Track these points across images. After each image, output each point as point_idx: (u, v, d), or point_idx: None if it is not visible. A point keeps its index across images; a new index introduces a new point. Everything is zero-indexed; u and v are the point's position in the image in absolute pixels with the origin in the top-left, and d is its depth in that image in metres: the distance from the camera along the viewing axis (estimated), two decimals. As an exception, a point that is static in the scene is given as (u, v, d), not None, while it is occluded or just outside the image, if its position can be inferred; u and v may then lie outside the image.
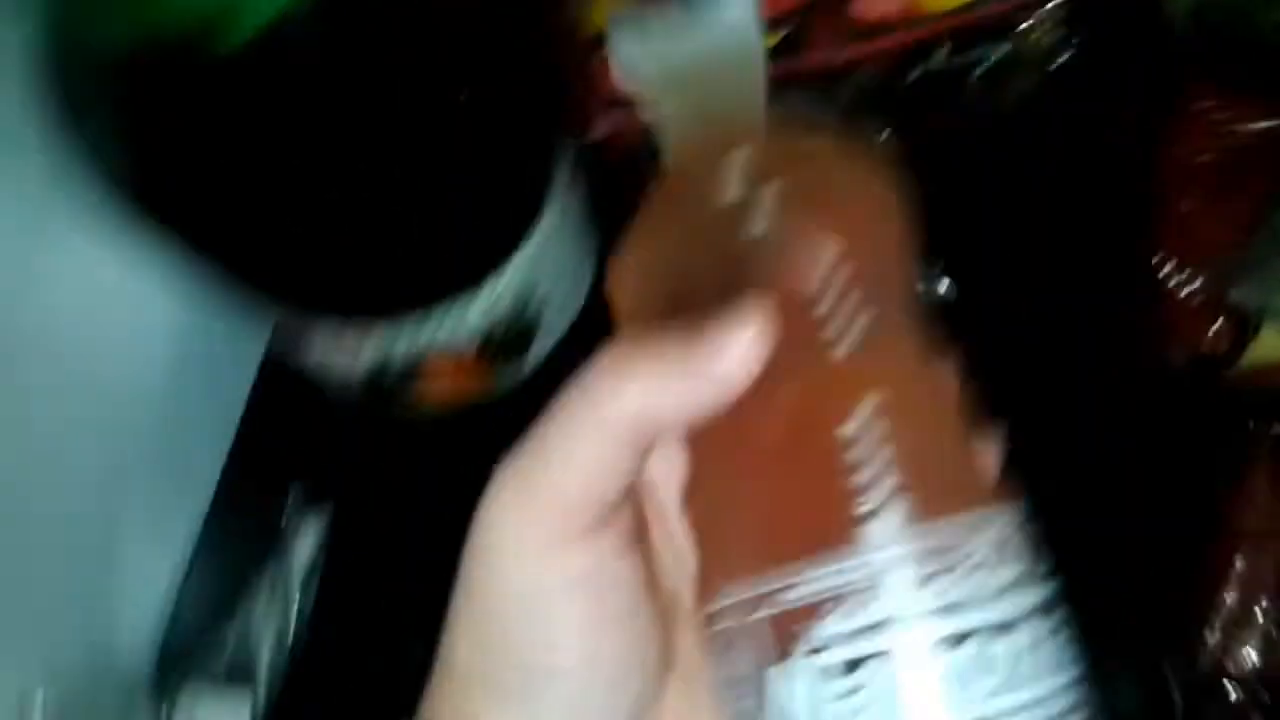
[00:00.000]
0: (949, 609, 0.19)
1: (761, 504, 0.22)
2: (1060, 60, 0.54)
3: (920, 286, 0.46)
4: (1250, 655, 0.42)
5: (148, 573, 0.49)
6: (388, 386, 0.42)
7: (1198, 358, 0.48)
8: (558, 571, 0.22)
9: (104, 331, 0.45)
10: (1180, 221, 0.47)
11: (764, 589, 0.20)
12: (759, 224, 0.23)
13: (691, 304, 0.23)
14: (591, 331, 0.49)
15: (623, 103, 0.49)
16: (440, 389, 0.44)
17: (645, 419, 0.22)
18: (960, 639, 0.19)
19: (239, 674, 0.46)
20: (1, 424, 0.41)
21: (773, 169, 0.24)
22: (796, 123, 0.26)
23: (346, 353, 0.40)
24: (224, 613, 0.47)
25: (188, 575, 0.50)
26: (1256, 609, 0.43)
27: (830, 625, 0.19)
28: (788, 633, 0.20)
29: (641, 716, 0.24)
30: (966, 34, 0.51)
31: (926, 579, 0.19)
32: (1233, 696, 0.42)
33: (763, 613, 0.20)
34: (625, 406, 0.22)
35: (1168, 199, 0.47)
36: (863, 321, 0.23)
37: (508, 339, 0.42)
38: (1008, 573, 0.20)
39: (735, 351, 0.21)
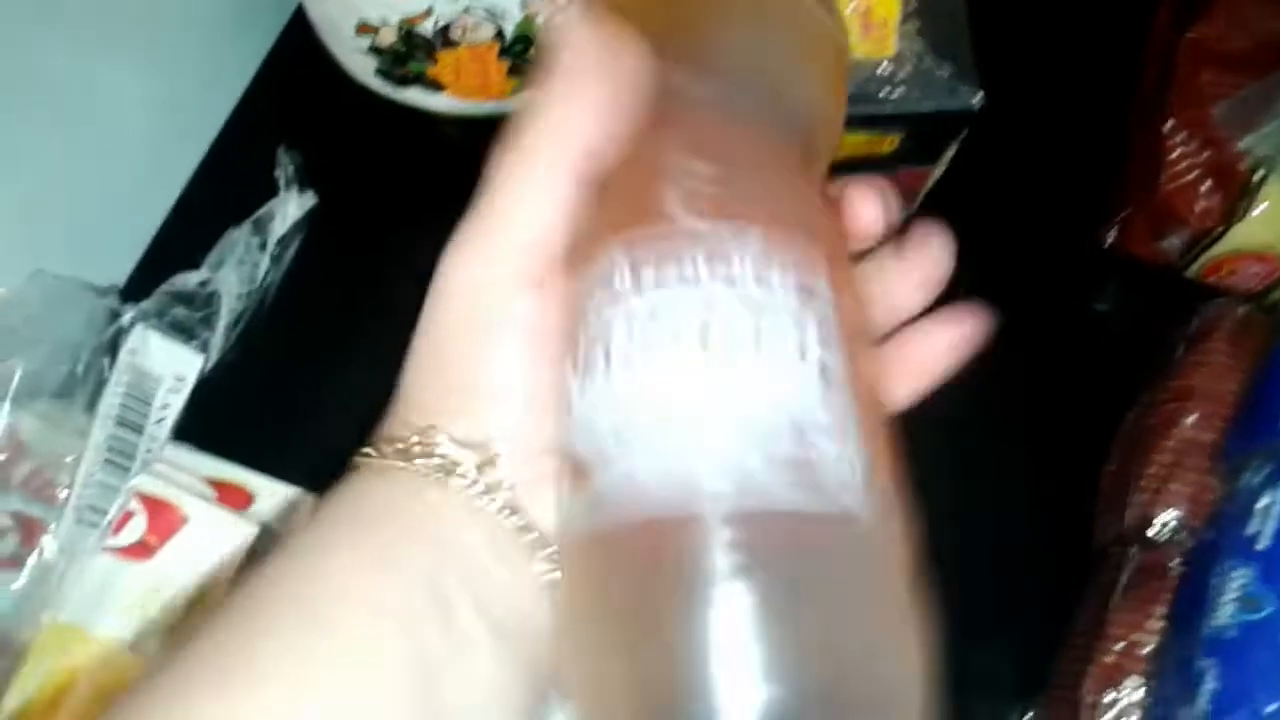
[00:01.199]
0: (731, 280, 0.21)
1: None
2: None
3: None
4: (1177, 505, 0.44)
5: (136, 203, 0.49)
6: (411, 57, 0.42)
7: (1186, 236, 0.49)
8: (509, 310, 0.24)
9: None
10: (1196, 95, 0.48)
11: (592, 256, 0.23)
12: None
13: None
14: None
15: None
16: (458, 82, 0.44)
17: (595, 150, 0.23)
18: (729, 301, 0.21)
19: (196, 325, 0.46)
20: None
21: None
22: None
23: (379, 4, 0.39)
24: (193, 261, 0.47)
25: (168, 219, 0.50)
26: (1186, 464, 0.45)
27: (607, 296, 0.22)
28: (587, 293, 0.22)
29: None
30: None
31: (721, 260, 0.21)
32: (1156, 549, 0.44)
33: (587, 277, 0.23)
34: (575, 141, 0.23)
35: (1188, 73, 0.48)
36: None
37: (532, 41, 0.42)
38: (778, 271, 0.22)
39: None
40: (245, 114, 0.52)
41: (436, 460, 0.24)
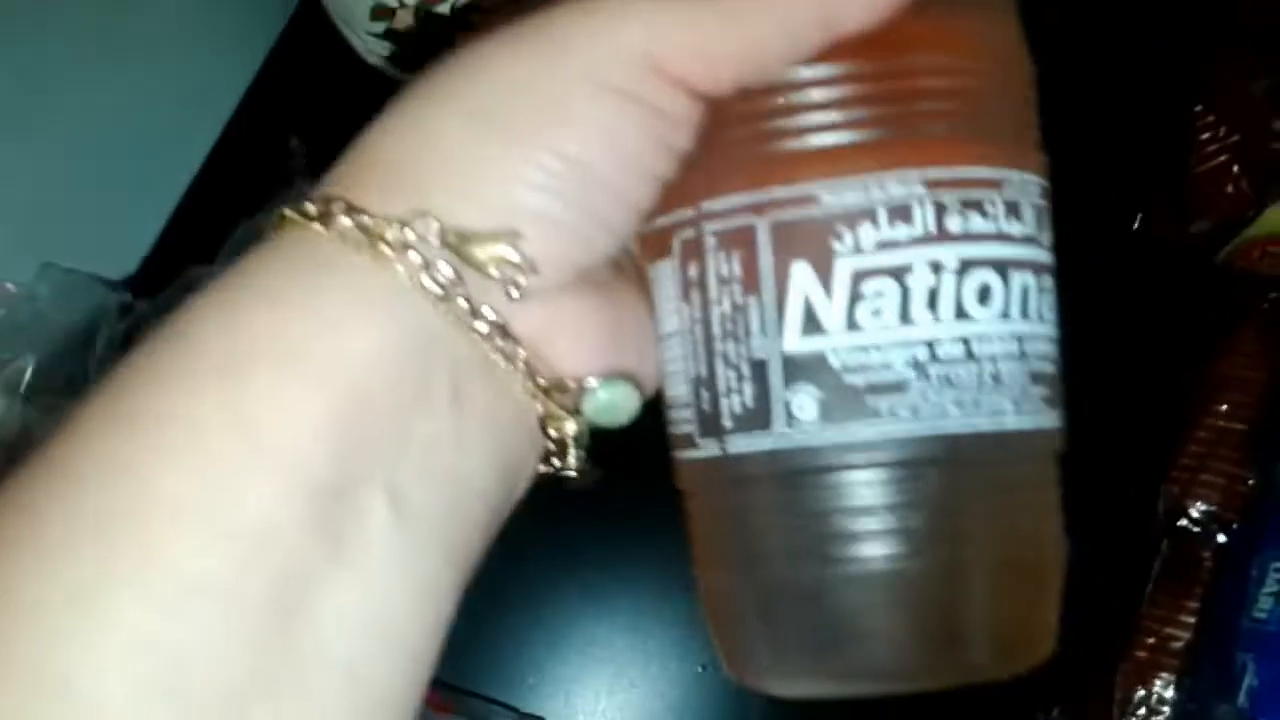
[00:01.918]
0: (962, 238, 0.21)
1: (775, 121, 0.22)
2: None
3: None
4: (1209, 498, 0.43)
5: (146, 193, 0.48)
6: (428, 37, 0.41)
7: (1215, 221, 0.48)
8: (613, 88, 0.19)
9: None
10: (1227, 79, 0.47)
11: (780, 196, 0.21)
12: None
13: None
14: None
15: None
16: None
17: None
18: (966, 265, 0.21)
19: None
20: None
21: None
22: None
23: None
24: (206, 259, 0.46)
25: (178, 211, 0.49)
26: (1218, 455, 0.44)
27: (859, 236, 0.21)
28: (814, 237, 0.21)
29: (599, 257, 0.21)
30: None
31: (945, 210, 0.21)
32: (1190, 542, 0.43)
33: (773, 217, 0.21)
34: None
35: (1220, 56, 0.47)
36: None
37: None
38: (1019, 227, 0.22)
39: None
40: (255, 102, 0.52)
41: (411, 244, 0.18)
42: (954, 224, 0.21)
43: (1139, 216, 0.51)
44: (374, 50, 0.44)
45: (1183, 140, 0.48)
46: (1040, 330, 0.22)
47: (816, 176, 0.21)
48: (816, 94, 0.21)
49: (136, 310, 0.45)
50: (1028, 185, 0.22)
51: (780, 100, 0.21)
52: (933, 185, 0.21)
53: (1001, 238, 0.21)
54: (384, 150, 0.19)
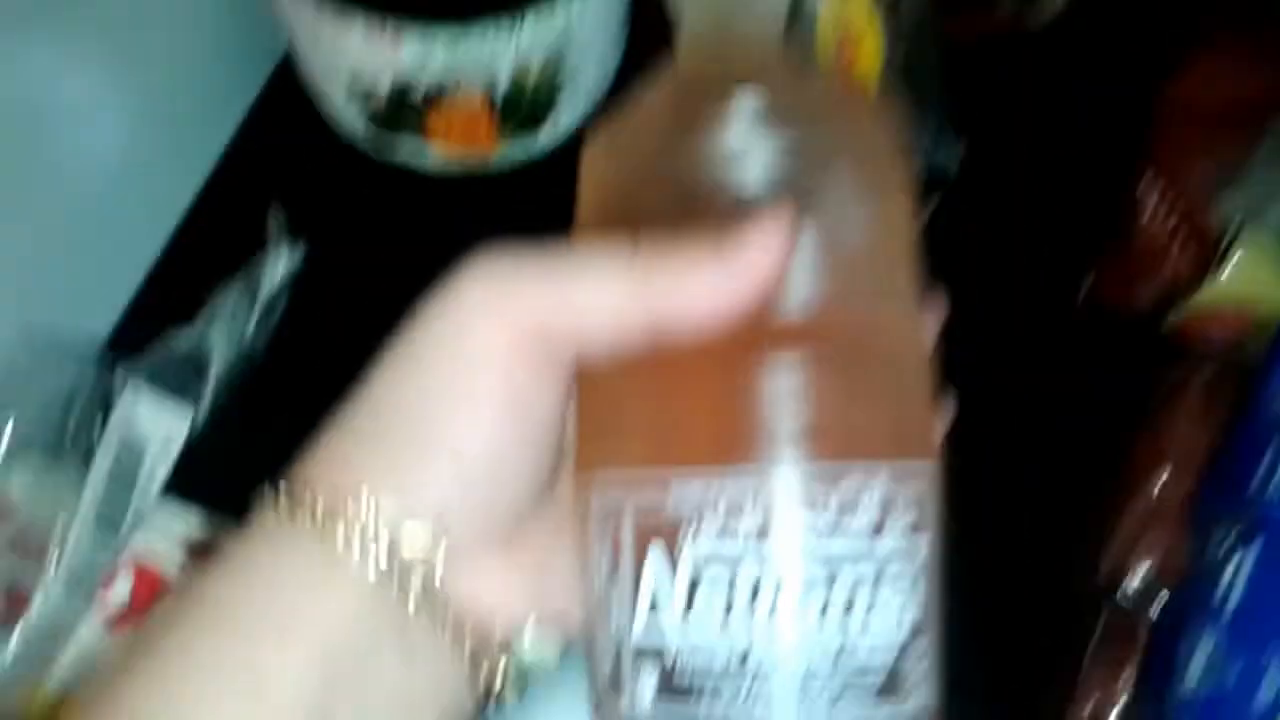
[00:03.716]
0: (825, 547, 0.21)
1: (673, 400, 0.23)
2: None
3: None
4: (1150, 566, 0.45)
5: (123, 253, 0.49)
6: (402, 112, 0.42)
7: (1160, 289, 0.50)
8: (499, 375, 0.23)
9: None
10: (1171, 151, 0.49)
11: (653, 479, 0.22)
12: (751, 173, 0.23)
13: (655, 216, 0.23)
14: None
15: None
16: (449, 137, 0.44)
17: (671, 312, 0.22)
18: (830, 578, 0.21)
19: (186, 383, 0.47)
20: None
21: (778, 116, 0.23)
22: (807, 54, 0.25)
23: (372, 61, 0.40)
24: (183, 319, 0.47)
25: (154, 272, 0.50)
26: (1157, 524, 0.45)
27: (711, 531, 0.21)
28: (671, 523, 0.22)
29: (510, 523, 0.24)
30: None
31: (813, 514, 0.21)
32: (1127, 607, 0.44)
33: (645, 499, 0.22)
34: (659, 298, 0.22)
35: (1164, 129, 0.49)
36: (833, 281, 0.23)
37: (522, 99, 0.43)
38: (894, 525, 0.22)
39: (772, 242, 0.22)
40: (233, 163, 0.53)
41: (354, 530, 0.22)
42: (787, 522, 0.21)
43: (1086, 284, 0.53)
44: (350, 121, 0.45)
45: (1129, 206, 0.50)
46: (876, 633, 0.22)
47: (671, 463, 0.22)
48: (664, 388, 0.23)
49: (116, 373, 0.46)
50: (881, 479, 0.22)
51: (634, 391, 0.23)
52: (767, 482, 0.21)
53: (842, 535, 0.21)
54: (335, 454, 0.24)
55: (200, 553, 0.42)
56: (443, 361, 0.23)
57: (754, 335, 0.22)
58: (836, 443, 0.22)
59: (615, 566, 0.23)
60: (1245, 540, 0.40)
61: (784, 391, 0.22)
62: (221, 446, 0.47)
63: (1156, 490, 0.45)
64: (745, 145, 0.23)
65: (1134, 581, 0.44)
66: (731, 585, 0.21)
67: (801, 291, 0.23)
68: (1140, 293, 0.51)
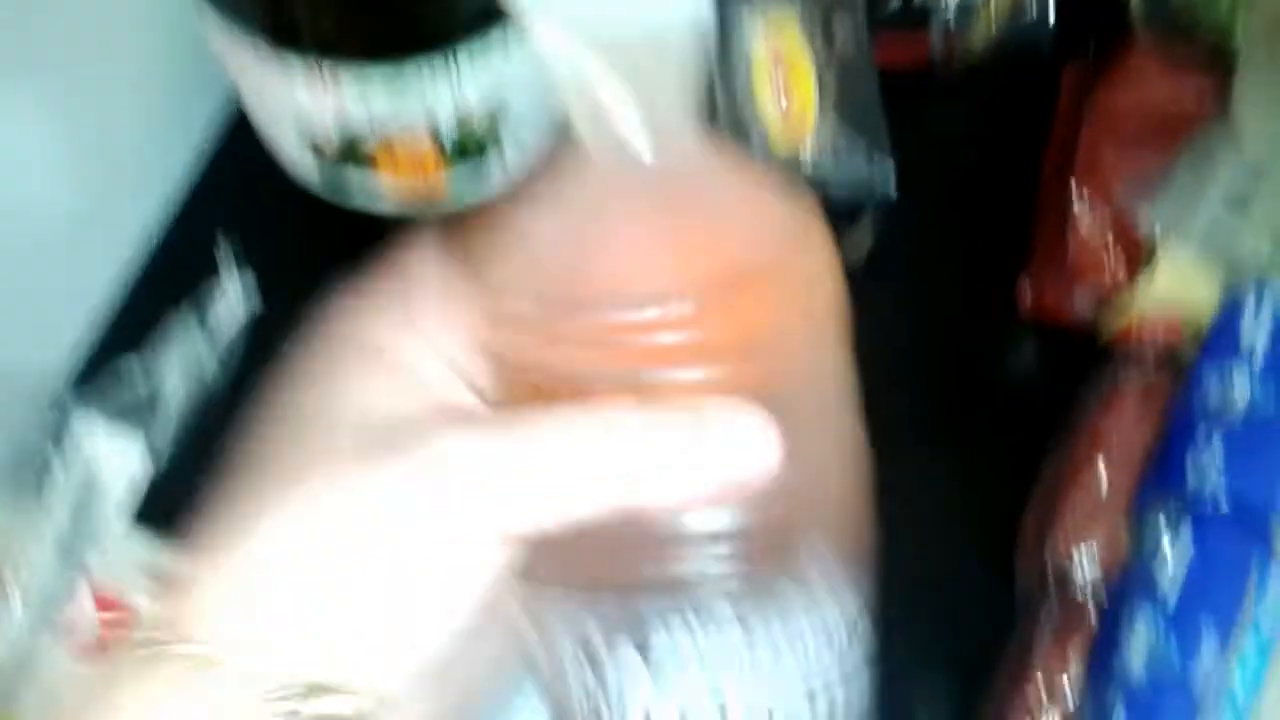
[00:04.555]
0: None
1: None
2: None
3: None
4: (1093, 555, 0.46)
5: (75, 295, 0.50)
6: (349, 153, 0.44)
7: (1096, 297, 0.52)
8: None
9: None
10: (1098, 165, 0.51)
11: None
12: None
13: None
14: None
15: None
16: (398, 176, 0.46)
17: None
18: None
19: (138, 415, 0.48)
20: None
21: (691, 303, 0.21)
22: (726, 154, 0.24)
23: (314, 104, 0.41)
24: (136, 352, 0.48)
25: (109, 309, 0.51)
26: (1099, 516, 0.47)
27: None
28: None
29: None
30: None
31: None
32: (1074, 595, 0.46)
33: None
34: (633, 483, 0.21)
35: (1090, 143, 0.51)
36: None
37: (468, 137, 0.44)
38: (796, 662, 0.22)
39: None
40: (187, 202, 0.54)
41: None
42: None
43: (1027, 298, 0.55)
44: (301, 165, 0.47)
45: (1060, 226, 0.52)
46: None
47: None
48: None
49: (70, 405, 0.47)
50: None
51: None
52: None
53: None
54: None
55: (164, 581, 0.43)
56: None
57: None
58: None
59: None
60: (1178, 529, 0.42)
61: None
62: (179, 476, 0.48)
63: (1098, 485, 0.47)
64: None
65: (1080, 572, 0.45)
66: None
67: None
68: (1078, 302, 0.53)
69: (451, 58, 0.40)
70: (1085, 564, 0.45)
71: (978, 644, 0.48)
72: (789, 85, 0.47)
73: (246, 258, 0.50)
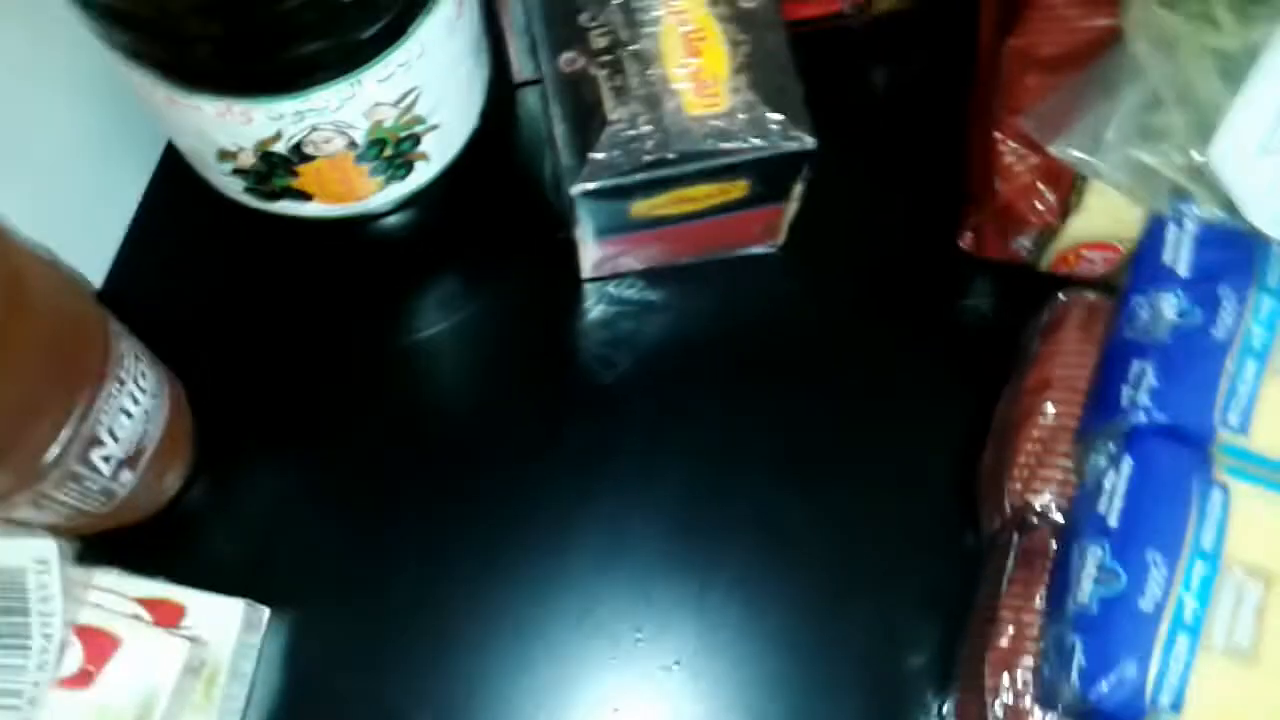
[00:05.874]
0: None
1: None
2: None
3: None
4: (1047, 492, 0.47)
5: None
6: (275, 176, 0.44)
7: (1033, 236, 0.52)
8: None
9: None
10: (1019, 101, 0.51)
11: None
12: None
13: None
14: (477, 166, 0.52)
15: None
16: (322, 186, 0.46)
17: None
18: None
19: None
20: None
21: None
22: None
23: (232, 136, 0.42)
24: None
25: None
26: (1052, 451, 0.48)
27: None
28: None
29: None
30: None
31: None
32: (1033, 532, 0.47)
33: None
34: None
35: (1010, 79, 0.52)
36: None
37: (385, 146, 0.45)
38: None
39: None
40: (134, 245, 0.55)
41: None
42: None
43: (967, 238, 0.56)
44: (230, 187, 0.47)
45: (990, 165, 0.52)
46: None
47: None
48: None
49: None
50: None
51: None
52: None
53: None
54: None
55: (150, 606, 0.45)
56: None
57: None
58: None
59: None
60: (1118, 457, 0.42)
61: None
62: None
63: (1047, 418, 0.48)
64: None
65: (1038, 507, 0.46)
66: None
67: None
68: (1015, 241, 0.53)
69: (355, 76, 0.40)
70: (1041, 500, 0.46)
71: (947, 589, 0.50)
72: (698, 48, 0.48)
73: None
